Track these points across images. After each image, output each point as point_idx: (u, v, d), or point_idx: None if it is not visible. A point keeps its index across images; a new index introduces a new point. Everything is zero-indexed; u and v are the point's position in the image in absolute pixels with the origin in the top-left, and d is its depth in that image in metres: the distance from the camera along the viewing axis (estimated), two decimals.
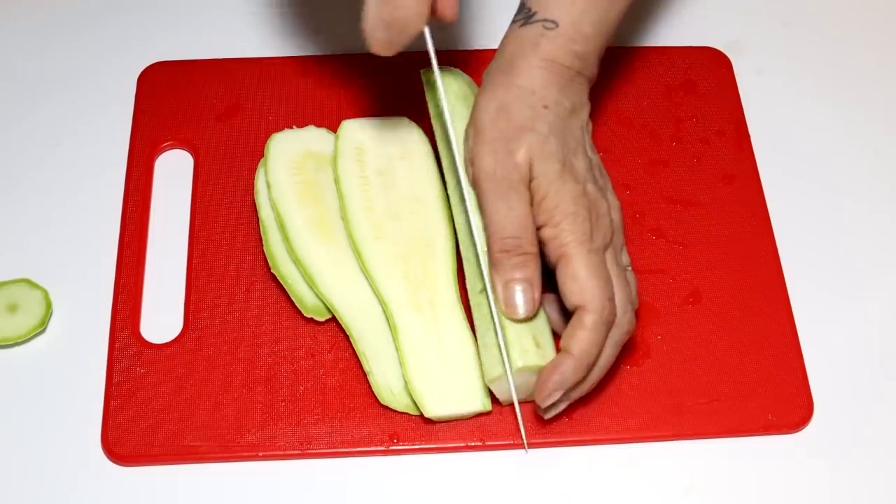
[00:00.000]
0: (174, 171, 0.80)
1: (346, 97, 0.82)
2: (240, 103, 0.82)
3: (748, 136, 0.82)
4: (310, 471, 0.69)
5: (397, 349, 0.69)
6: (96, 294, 0.75)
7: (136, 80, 0.83)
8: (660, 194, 0.79)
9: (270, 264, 0.73)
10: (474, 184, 0.68)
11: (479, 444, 0.70)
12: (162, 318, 0.74)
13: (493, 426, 0.70)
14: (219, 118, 0.82)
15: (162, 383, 0.71)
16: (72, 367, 0.72)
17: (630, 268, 0.70)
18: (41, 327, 0.73)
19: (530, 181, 0.67)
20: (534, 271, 0.66)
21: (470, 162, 0.69)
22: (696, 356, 0.73)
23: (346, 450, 0.69)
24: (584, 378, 0.66)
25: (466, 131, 0.70)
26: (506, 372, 0.66)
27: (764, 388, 0.72)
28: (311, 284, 0.72)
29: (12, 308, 0.73)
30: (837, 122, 0.84)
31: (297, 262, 0.72)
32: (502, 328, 0.66)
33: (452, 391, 0.68)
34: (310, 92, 0.83)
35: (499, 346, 0.66)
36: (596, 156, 0.71)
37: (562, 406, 0.67)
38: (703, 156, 0.81)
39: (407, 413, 0.69)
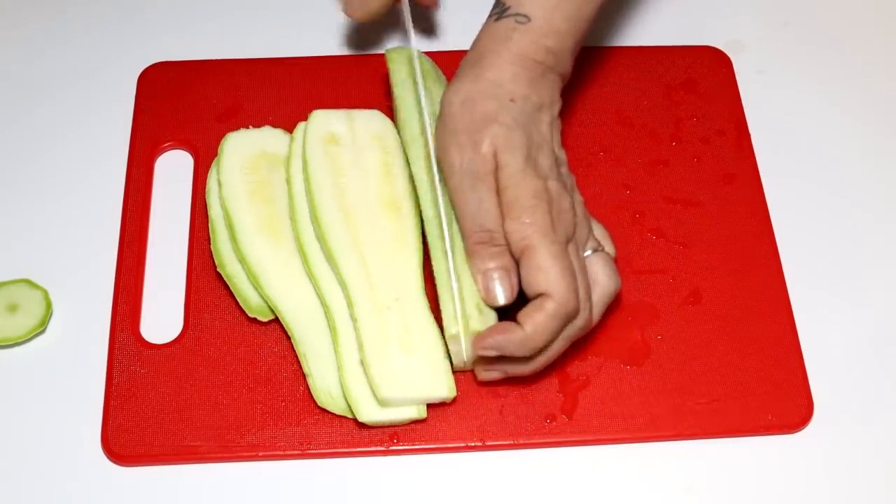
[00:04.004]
0: (174, 171, 0.80)
1: (347, 97, 0.82)
2: (240, 103, 0.82)
3: (748, 136, 0.82)
4: (310, 471, 0.69)
5: (336, 352, 0.69)
6: (96, 294, 0.75)
7: (136, 80, 0.83)
8: (660, 194, 0.79)
9: (217, 263, 0.73)
10: (443, 176, 0.69)
11: (479, 444, 0.70)
12: (162, 318, 0.74)
13: (492, 426, 0.70)
14: (219, 118, 0.82)
15: (162, 383, 0.71)
16: (72, 367, 0.72)
17: (603, 256, 0.69)
18: (41, 327, 0.73)
19: (499, 171, 0.67)
20: (510, 259, 0.67)
21: (437, 154, 0.69)
22: (696, 356, 0.73)
23: (346, 450, 0.69)
24: (528, 360, 0.67)
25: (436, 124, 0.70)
26: (459, 333, 0.68)
27: (764, 388, 0.72)
28: (255, 284, 0.71)
29: (12, 308, 0.73)
30: (838, 122, 0.84)
31: (243, 261, 0.72)
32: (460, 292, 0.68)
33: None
34: (310, 92, 0.83)
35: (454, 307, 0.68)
36: (563, 153, 0.71)
37: (495, 375, 0.69)
38: (704, 155, 0.81)
39: (344, 417, 0.69)
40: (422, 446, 0.69)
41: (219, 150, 0.76)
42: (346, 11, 0.64)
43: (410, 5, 0.74)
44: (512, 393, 0.71)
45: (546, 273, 0.65)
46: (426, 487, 0.69)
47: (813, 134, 0.84)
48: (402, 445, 0.69)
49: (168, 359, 0.72)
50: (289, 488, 0.69)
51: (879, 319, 0.76)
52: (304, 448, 0.69)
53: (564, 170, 0.70)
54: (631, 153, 0.81)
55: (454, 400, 0.70)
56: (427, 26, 0.87)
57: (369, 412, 0.68)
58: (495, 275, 0.67)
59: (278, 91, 0.83)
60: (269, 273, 0.72)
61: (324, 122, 0.75)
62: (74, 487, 0.69)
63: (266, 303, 0.72)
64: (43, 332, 0.74)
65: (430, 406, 0.70)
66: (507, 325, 0.66)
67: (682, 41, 0.87)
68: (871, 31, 0.89)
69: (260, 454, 0.69)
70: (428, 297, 0.71)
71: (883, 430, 0.71)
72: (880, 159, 0.83)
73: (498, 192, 0.67)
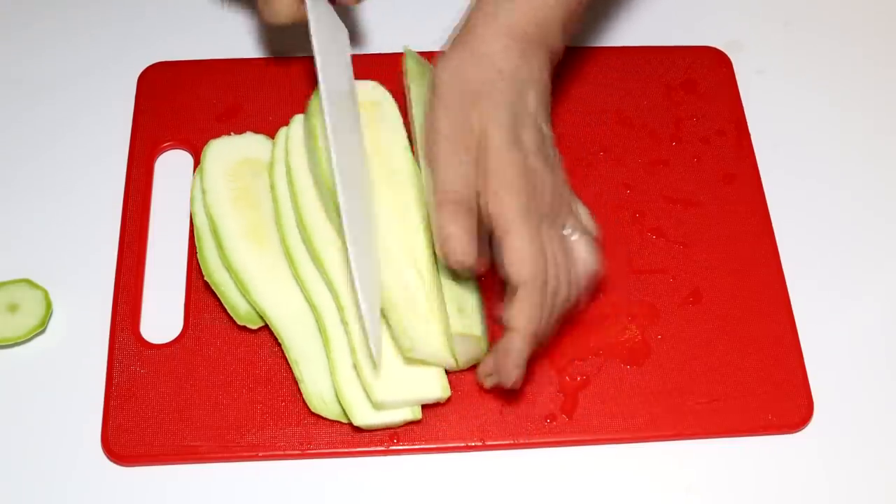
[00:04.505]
0: (174, 171, 0.80)
1: None
2: (240, 103, 0.82)
3: (748, 136, 0.82)
4: (310, 471, 0.69)
5: (327, 357, 0.69)
6: (96, 294, 0.75)
7: (136, 80, 0.83)
8: (660, 194, 0.79)
9: (203, 272, 0.73)
10: (428, 144, 0.68)
11: (479, 444, 0.70)
12: (162, 318, 0.74)
13: (493, 426, 0.70)
14: (219, 118, 0.82)
15: (162, 383, 0.71)
16: (72, 367, 0.72)
17: (585, 236, 0.69)
18: (41, 327, 0.73)
19: (484, 144, 0.66)
20: (473, 224, 0.66)
21: (425, 122, 0.68)
22: (696, 356, 0.73)
23: (346, 450, 0.69)
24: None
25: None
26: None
27: (764, 388, 0.72)
28: (243, 291, 0.71)
29: (12, 308, 0.73)
30: (838, 122, 0.84)
31: (229, 268, 0.72)
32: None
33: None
34: (309, 92, 0.83)
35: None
36: (549, 130, 0.70)
37: (495, 380, 0.68)
38: (704, 155, 0.81)
39: (338, 421, 0.69)
40: (422, 446, 0.69)
41: (201, 158, 0.76)
42: (261, 17, 0.66)
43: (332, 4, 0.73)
44: (512, 393, 0.71)
45: (517, 254, 0.64)
46: (426, 487, 0.69)
47: (813, 134, 0.84)
48: (402, 445, 0.69)
49: (168, 359, 0.72)
50: (289, 488, 0.69)
51: (879, 319, 0.76)
52: (303, 448, 0.69)
53: (550, 146, 0.69)
54: (631, 153, 0.81)
55: (454, 400, 0.70)
56: (350, 25, 0.86)
57: (364, 415, 0.67)
58: (455, 234, 0.65)
59: (278, 91, 0.83)
60: (255, 279, 0.71)
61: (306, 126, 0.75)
62: (74, 487, 0.69)
63: (255, 310, 0.72)
64: (43, 332, 0.74)
65: (429, 406, 0.70)
66: (504, 344, 0.65)
67: (682, 41, 0.87)
68: (871, 31, 0.89)
69: (260, 454, 0.69)
70: None
71: (883, 430, 0.71)
72: (880, 159, 0.83)
73: (478, 165, 0.66)
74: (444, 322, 0.68)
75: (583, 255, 0.68)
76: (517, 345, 0.65)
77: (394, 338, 0.68)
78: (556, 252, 0.66)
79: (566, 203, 0.68)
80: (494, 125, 0.66)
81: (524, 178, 0.66)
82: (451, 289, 0.70)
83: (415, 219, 0.71)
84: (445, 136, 0.67)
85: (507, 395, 0.71)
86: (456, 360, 0.68)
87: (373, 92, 0.76)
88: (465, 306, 0.69)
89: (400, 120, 0.75)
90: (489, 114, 0.66)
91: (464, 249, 0.65)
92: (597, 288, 0.72)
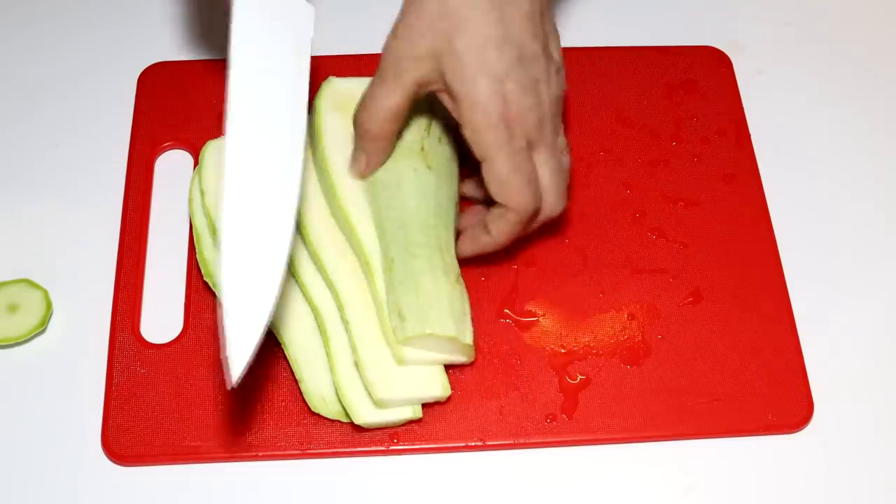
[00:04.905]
0: (174, 171, 0.80)
1: None
2: None
3: (748, 136, 0.82)
4: (310, 471, 0.69)
5: (328, 356, 0.69)
6: (96, 294, 0.75)
7: (136, 80, 0.83)
8: (660, 193, 0.79)
9: (203, 273, 0.72)
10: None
11: (479, 443, 0.70)
12: (162, 318, 0.74)
13: (492, 426, 0.70)
14: (219, 118, 0.81)
15: (162, 383, 0.71)
16: (72, 367, 0.72)
17: (565, 153, 0.69)
18: (41, 327, 0.73)
19: (446, 72, 0.63)
20: (374, 154, 0.69)
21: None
22: (696, 356, 0.73)
23: (346, 450, 0.69)
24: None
25: None
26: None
27: (764, 388, 0.72)
28: None
29: (12, 308, 0.73)
30: (838, 122, 0.84)
31: None
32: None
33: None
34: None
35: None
36: (554, 32, 0.67)
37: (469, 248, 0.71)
38: (704, 155, 0.81)
39: (338, 421, 0.69)
40: (422, 446, 0.69)
41: (199, 159, 0.76)
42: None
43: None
44: (512, 393, 0.71)
45: (502, 184, 0.65)
46: (426, 487, 0.69)
47: (813, 134, 0.84)
48: (402, 445, 0.69)
49: (168, 359, 0.72)
50: (289, 488, 0.69)
51: (880, 319, 0.76)
52: (303, 448, 0.69)
53: (554, 50, 0.67)
54: (631, 153, 0.81)
55: (454, 400, 0.70)
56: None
57: (365, 414, 0.67)
58: (361, 156, 0.70)
59: None
60: None
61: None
62: (74, 487, 0.69)
63: None
64: (43, 332, 0.74)
65: (430, 406, 0.70)
66: (474, 235, 0.69)
67: (682, 41, 0.87)
68: (872, 31, 0.89)
69: (260, 454, 0.69)
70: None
71: (883, 430, 0.71)
72: (880, 159, 0.83)
73: (450, 99, 0.64)
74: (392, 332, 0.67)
75: (562, 175, 0.68)
76: (485, 242, 0.69)
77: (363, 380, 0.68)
78: (544, 177, 0.67)
79: (557, 119, 0.67)
80: (453, 53, 0.62)
81: (500, 104, 0.63)
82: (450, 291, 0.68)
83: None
84: (386, 57, 0.65)
85: (507, 391, 0.71)
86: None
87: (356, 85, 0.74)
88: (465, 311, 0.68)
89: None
90: (447, 41, 0.62)
91: (359, 167, 0.70)
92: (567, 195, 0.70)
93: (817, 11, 0.90)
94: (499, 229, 0.68)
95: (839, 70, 0.87)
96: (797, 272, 0.77)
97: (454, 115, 0.65)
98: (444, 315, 0.66)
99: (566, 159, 0.69)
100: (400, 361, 0.67)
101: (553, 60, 0.66)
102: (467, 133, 0.64)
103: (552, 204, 0.68)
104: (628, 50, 0.86)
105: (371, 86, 0.67)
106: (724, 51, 0.86)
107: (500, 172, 0.64)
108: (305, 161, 0.68)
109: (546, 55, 0.65)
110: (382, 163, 0.70)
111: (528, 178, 0.65)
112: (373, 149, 0.69)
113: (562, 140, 0.69)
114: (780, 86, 0.86)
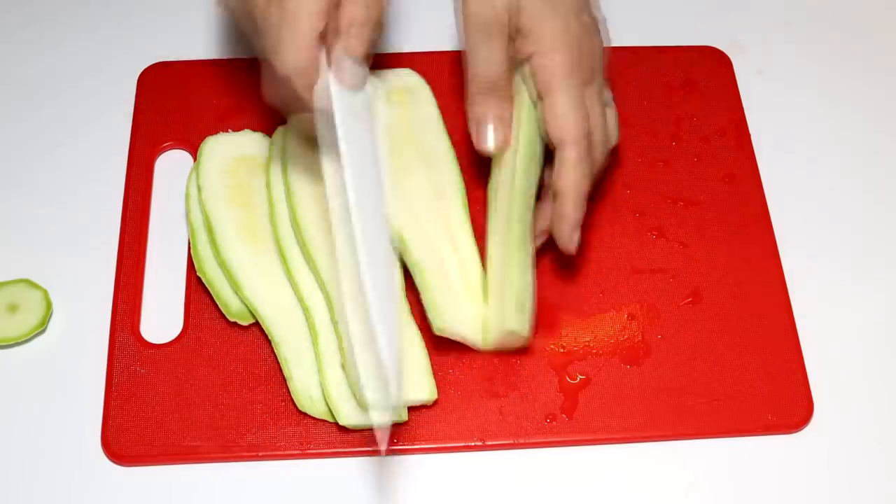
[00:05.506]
0: (174, 171, 0.80)
1: None
2: (240, 103, 0.82)
3: (748, 136, 0.82)
4: (310, 471, 0.69)
5: (316, 356, 0.69)
6: (96, 294, 0.75)
7: (136, 80, 0.83)
8: (660, 193, 0.79)
9: (196, 267, 0.73)
10: (463, 27, 0.70)
11: (479, 443, 0.70)
12: (162, 318, 0.74)
13: (493, 426, 0.70)
14: (219, 118, 0.82)
15: (162, 383, 0.71)
16: (72, 367, 0.72)
17: (611, 105, 0.72)
18: (41, 327, 0.73)
19: (519, 17, 0.68)
20: (506, 111, 0.69)
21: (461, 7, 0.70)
22: (696, 356, 0.73)
23: (346, 450, 0.69)
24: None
25: None
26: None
27: (764, 388, 0.72)
28: (235, 288, 0.71)
29: (12, 308, 0.73)
30: (837, 122, 0.84)
31: (222, 264, 0.72)
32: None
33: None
34: None
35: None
36: None
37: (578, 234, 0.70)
38: (704, 155, 0.81)
39: (324, 420, 0.69)
40: (422, 446, 0.69)
41: (197, 155, 0.76)
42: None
43: None
44: (512, 393, 0.71)
45: (560, 118, 0.67)
46: (426, 487, 0.69)
47: (813, 134, 0.84)
48: (402, 445, 0.69)
49: (168, 359, 0.72)
50: (289, 488, 0.69)
51: (879, 319, 0.76)
52: (303, 448, 0.69)
53: (596, 10, 0.71)
54: (631, 153, 0.81)
55: (454, 400, 0.70)
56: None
57: (349, 415, 0.67)
58: (489, 121, 0.69)
59: None
60: (249, 277, 0.71)
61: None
62: (74, 487, 0.69)
63: (246, 307, 0.72)
64: (43, 332, 0.74)
65: (430, 406, 0.70)
66: (559, 210, 0.68)
67: (682, 41, 0.87)
68: (871, 31, 0.89)
69: (260, 454, 0.69)
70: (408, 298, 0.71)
71: (883, 429, 0.71)
72: (880, 159, 0.83)
73: (517, 36, 0.68)
74: (480, 299, 0.69)
75: (611, 124, 0.71)
76: (570, 209, 0.68)
77: (427, 312, 0.68)
78: (597, 120, 0.69)
79: (604, 68, 0.71)
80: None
81: (567, 41, 0.68)
82: (514, 283, 0.68)
83: (451, 196, 0.73)
84: (473, 21, 0.68)
85: (507, 391, 0.71)
86: (484, 342, 0.69)
87: (407, 79, 0.78)
88: (525, 304, 0.68)
89: (434, 102, 0.77)
90: None
91: (497, 134, 0.69)
92: (614, 162, 0.73)
93: (817, 11, 0.90)
94: (566, 177, 0.67)
95: (839, 70, 0.87)
96: (797, 272, 0.77)
97: (522, 53, 0.68)
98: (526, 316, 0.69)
99: (613, 114, 0.72)
100: (363, 406, 0.66)
101: (596, 19, 0.72)
102: (535, 63, 0.67)
103: (608, 135, 0.70)
104: (628, 50, 0.86)
105: (472, 52, 0.69)
106: (724, 51, 0.86)
107: (561, 105, 0.67)
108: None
109: (590, 12, 0.71)
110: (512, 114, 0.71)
111: (584, 113, 0.68)
112: (503, 98, 0.70)
113: (608, 94, 0.72)
114: (780, 86, 0.86)
